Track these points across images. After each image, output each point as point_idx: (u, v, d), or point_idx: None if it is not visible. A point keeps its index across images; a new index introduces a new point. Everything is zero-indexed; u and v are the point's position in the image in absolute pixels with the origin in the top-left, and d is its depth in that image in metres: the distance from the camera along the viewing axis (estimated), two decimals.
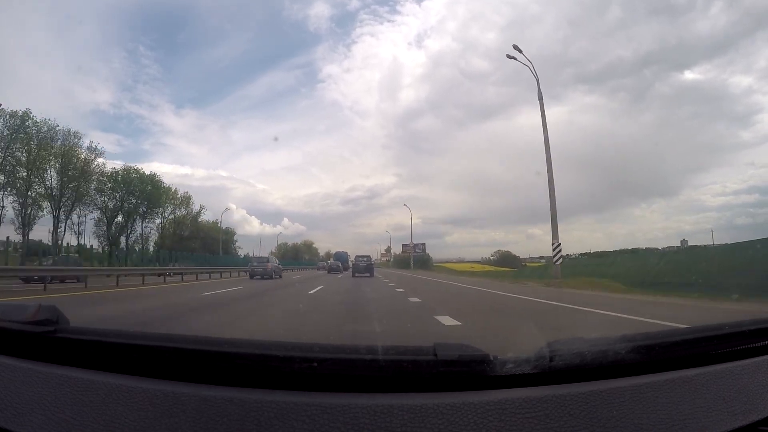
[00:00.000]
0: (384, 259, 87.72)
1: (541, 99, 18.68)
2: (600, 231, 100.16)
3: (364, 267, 25.49)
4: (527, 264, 56.25)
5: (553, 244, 17.36)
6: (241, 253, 64.25)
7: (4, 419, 0.73)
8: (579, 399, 0.73)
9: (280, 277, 24.54)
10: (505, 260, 76.72)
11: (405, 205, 48.69)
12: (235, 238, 68.85)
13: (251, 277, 23.40)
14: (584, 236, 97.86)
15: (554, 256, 17.29)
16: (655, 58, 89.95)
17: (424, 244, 74.20)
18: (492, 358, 0.79)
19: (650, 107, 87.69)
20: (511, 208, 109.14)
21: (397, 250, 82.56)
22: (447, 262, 79.09)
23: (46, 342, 0.90)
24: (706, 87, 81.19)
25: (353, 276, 24.34)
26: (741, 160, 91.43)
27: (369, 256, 28.55)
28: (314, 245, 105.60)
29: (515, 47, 18.86)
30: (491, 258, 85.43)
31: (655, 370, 0.84)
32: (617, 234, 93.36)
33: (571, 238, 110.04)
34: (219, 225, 58.54)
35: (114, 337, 0.95)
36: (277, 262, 29.14)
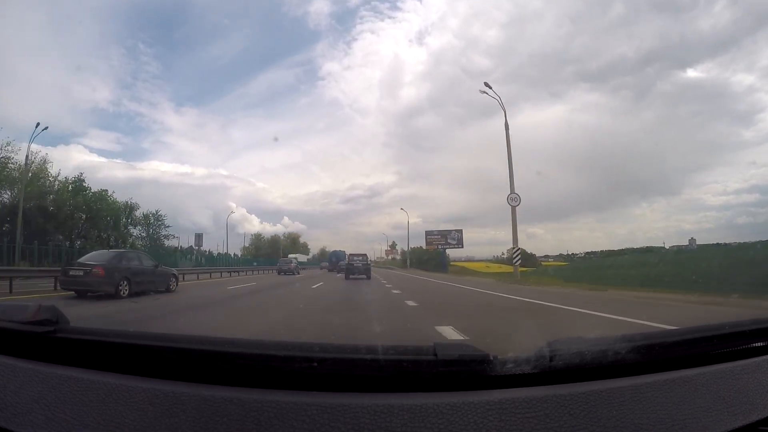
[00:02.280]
0: (390, 257, 77.13)
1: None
2: (600, 230, 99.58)
3: (361, 267, 23.13)
4: (543, 263, 54.82)
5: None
6: (180, 243, 42.29)
7: (5, 419, 0.73)
8: (579, 399, 0.73)
9: (299, 273, 31.60)
10: (521, 259, 73.55)
11: (489, 94, 22.51)
12: (165, 221, 42.05)
13: (279, 273, 30.49)
14: (584, 236, 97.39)
15: None
16: (657, 56, 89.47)
17: (461, 231, 50.03)
18: (492, 358, 0.79)
19: (652, 105, 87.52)
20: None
21: (413, 244, 59.64)
22: (452, 261, 75.61)
23: (47, 342, 0.90)
24: (708, 85, 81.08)
25: (347, 278, 21.14)
26: (742, 160, 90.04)
27: (365, 254, 26.36)
28: (301, 240, 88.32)
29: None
30: (503, 256, 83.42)
31: (655, 370, 0.84)
32: (617, 233, 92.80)
33: (572, 237, 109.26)
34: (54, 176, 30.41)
35: (114, 337, 0.96)
36: (296, 262, 36.31)
